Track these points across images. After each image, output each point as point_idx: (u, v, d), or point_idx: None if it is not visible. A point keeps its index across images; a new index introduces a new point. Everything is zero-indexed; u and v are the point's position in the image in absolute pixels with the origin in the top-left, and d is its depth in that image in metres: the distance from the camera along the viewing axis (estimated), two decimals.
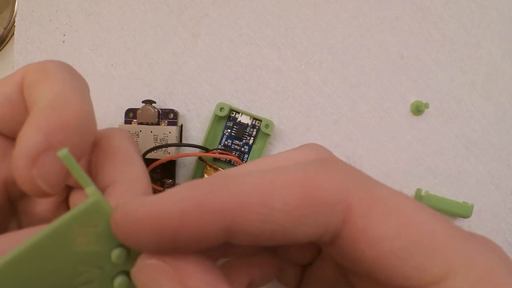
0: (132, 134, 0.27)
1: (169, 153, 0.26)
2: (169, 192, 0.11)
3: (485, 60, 0.28)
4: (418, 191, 0.28)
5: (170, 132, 0.26)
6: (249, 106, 0.28)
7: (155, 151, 0.26)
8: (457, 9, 0.28)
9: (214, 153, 0.26)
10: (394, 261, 0.11)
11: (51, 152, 0.14)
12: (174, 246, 0.11)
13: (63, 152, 0.11)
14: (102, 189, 0.17)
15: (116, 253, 0.12)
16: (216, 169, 0.27)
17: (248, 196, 0.11)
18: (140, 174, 0.17)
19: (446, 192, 0.28)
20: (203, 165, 0.27)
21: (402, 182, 0.28)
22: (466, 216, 0.27)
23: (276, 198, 0.11)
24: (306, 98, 0.28)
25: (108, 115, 0.29)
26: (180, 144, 0.27)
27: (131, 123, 0.27)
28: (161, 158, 0.25)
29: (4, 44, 0.31)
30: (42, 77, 0.16)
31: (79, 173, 0.11)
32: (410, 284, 0.11)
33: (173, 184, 0.27)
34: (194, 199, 0.11)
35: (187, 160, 0.28)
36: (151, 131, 0.26)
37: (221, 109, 0.27)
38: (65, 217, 0.11)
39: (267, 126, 0.27)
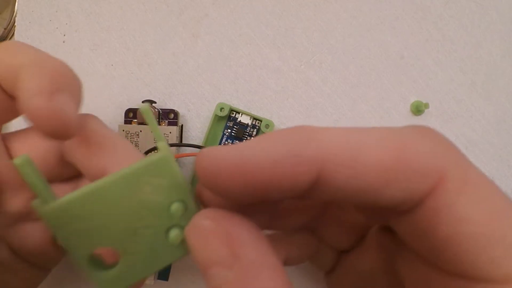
0: (132, 134, 0.27)
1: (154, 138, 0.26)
2: (255, 141, 0.11)
3: (485, 60, 0.28)
4: None
5: (170, 132, 0.26)
6: (249, 106, 0.28)
7: (155, 151, 0.26)
8: (457, 9, 0.28)
9: None
10: (470, 247, 0.11)
11: (62, 93, 0.14)
12: (259, 194, 0.11)
13: (145, 107, 0.12)
14: (95, 178, 0.16)
15: (175, 206, 0.12)
16: None
17: (342, 149, 0.11)
18: (129, 156, 0.17)
19: None
20: None
21: None
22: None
23: (370, 155, 0.11)
24: (306, 98, 0.28)
25: (108, 115, 0.29)
26: (180, 144, 0.27)
27: (131, 123, 0.27)
28: None
29: None
30: (11, 52, 0.15)
31: (154, 126, 0.12)
32: (476, 275, 0.11)
33: None
34: (287, 148, 0.11)
35: (187, 160, 0.28)
36: (151, 131, 0.26)
37: (221, 109, 0.27)
38: (137, 164, 0.12)
39: (267, 126, 0.27)
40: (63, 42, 0.29)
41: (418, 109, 0.28)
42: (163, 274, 0.26)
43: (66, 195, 0.12)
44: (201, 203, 0.14)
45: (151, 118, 0.12)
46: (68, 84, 0.15)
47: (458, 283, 0.12)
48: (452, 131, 0.28)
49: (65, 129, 0.14)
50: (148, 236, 0.13)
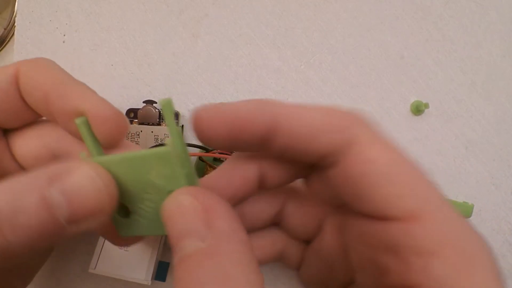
0: (133, 134, 0.27)
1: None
2: (237, 102, 0.15)
3: (485, 60, 0.28)
4: None
5: None
6: None
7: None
8: (457, 9, 0.28)
9: (214, 153, 0.26)
10: (375, 185, 0.13)
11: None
12: (236, 137, 0.14)
13: (166, 100, 0.13)
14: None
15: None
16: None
17: (290, 108, 0.15)
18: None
19: (446, 192, 0.28)
20: (203, 165, 0.27)
21: None
22: (466, 216, 0.27)
23: (309, 115, 0.15)
24: (306, 98, 0.28)
25: None
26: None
27: (132, 123, 0.27)
28: None
29: (4, 44, 0.31)
30: (41, 69, 0.18)
31: (171, 121, 0.14)
32: (385, 214, 0.13)
33: None
34: (256, 104, 0.14)
35: (191, 160, 0.28)
36: (152, 132, 0.26)
37: None
38: (148, 151, 0.14)
39: None
40: (63, 42, 0.29)
41: (418, 109, 0.28)
42: (160, 275, 0.26)
43: (106, 156, 0.15)
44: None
45: (169, 113, 0.14)
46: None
47: (376, 227, 0.14)
48: (452, 131, 0.28)
49: (124, 128, 0.17)
50: (150, 208, 0.16)
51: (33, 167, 0.19)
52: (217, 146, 0.15)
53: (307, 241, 0.19)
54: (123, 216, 0.17)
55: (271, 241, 0.19)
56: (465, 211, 0.27)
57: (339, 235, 0.17)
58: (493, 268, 0.12)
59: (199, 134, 0.15)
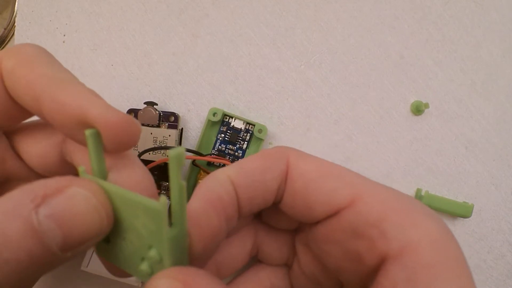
0: None
1: (167, 156, 0.26)
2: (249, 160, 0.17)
3: (485, 60, 0.28)
4: (418, 191, 0.28)
5: (170, 135, 0.26)
6: (249, 106, 0.28)
7: (154, 153, 0.26)
8: (457, 9, 0.28)
9: (208, 157, 0.26)
10: (315, 186, 0.16)
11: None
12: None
13: (176, 153, 0.12)
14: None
15: (152, 252, 0.13)
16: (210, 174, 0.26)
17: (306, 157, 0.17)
18: (143, 178, 0.17)
19: (446, 192, 0.28)
20: (197, 170, 0.27)
21: (402, 182, 0.28)
22: (466, 216, 0.27)
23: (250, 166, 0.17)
24: (306, 98, 0.28)
25: None
26: (173, 147, 0.27)
27: None
28: (158, 159, 0.26)
29: (4, 44, 0.31)
30: (23, 62, 0.15)
31: (176, 175, 0.12)
32: (332, 204, 0.15)
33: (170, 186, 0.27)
34: (268, 163, 0.17)
35: (186, 164, 0.28)
36: (151, 133, 0.26)
37: (214, 114, 0.27)
38: (139, 198, 0.13)
39: (260, 131, 0.26)
40: (63, 42, 0.29)
41: (418, 109, 0.28)
42: None
43: (104, 182, 0.14)
44: (190, 254, 0.15)
45: (175, 167, 0.12)
46: None
47: (333, 223, 0.15)
48: (452, 131, 0.28)
49: (137, 135, 0.15)
50: (129, 249, 0.14)
51: (42, 167, 0.17)
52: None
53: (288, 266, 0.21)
54: (103, 240, 0.15)
55: (258, 282, 0.20)
56: (465, 211, 0.27)
57: (309, 249, 0.19)
58: (424, 207, 0.15)
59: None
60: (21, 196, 0.12)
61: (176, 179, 0.12)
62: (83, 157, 0.16)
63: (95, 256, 0.24)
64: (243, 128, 0.27)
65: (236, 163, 0.17)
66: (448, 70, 0.28)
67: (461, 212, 0.27)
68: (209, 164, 0.28)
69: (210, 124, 0.27)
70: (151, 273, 0.14)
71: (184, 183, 0.13)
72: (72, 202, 0.12)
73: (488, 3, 0.28)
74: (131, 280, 0.24)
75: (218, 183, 0.16)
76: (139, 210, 0.13)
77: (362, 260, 0.15)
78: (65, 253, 0.12)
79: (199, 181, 0.27)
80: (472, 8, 0.28)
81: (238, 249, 0.20)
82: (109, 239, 0.15)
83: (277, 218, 0.20)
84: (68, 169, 0.18)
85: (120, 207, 0.14)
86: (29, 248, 0.11)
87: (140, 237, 0.14)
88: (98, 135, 0.14)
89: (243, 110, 0.28)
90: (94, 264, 0.24)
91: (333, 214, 0.15)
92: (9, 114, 0.16)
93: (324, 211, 0.16)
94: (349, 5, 0.29)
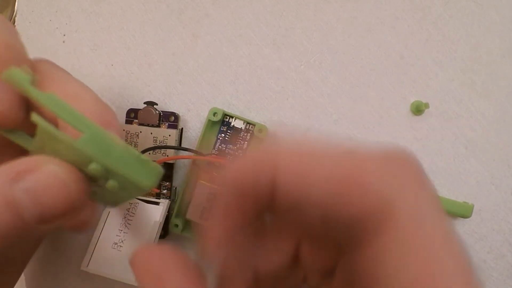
0: (132, 135, 0.27)
1: (167, 155, 0.26)
2: (244, 156, 0.14)
3: (485, 60, 0.28)
4: None
5: (170, 135, 0.26)
6: (249, 106, 0.28)
7: (154, 152, 0.26)
8: (457, 9, 0.28)
9: (208, 157, 0.26)
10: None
11: None
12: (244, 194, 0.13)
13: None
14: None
15: (92, 166, 0.14)
16: (210, 174, 0.26)
17: (294, 163, 0.12)
18: (77, 91, 0.17)
19: (446, 192, 0.28)
20: (198, 169, 0.27)
21: None
22: (466, 216, 0.27)
23: (320, 172, 0.11)
24: (306, 98, 0.28)
25: None
26: (178, 147, 0.27)
27: (132, 123, 0.27)
28: (158, 159, 0.26)
29: None
30: None
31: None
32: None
33: (170, 187, 0.27)
34: (253, 160, 0.13)
35: (185, 164, 0.28)
36: (151, 133, 0.26)
37: (214, 114, 0.27)
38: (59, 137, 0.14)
39: (260, 130, 0.26)
40: (63, 42, 0.29)
41: (418, 109, 0.28)
42: None
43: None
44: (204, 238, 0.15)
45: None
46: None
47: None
48: (452, 131, 0.28)
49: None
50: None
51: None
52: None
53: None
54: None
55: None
56: (465, 211, 0.27)
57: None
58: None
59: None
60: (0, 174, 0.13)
61: (39, 94, 0.13)
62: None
63: (95, 256, 0.24)
64: (243, 128, 0.27)
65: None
66: (448, 70, 0.28)
67: (461, 212, 0.27)
68: (209, 164, 0.28)
69: (210, 124, 0.27)
70: (120, 186, 0.15)
71: (52, 94, 0.14)
72: (46, 180, 0.13)
73: (488, 3, 0.28)
74: (132, 280, 0.24)
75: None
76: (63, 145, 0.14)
77: None
78: (42, 225, 0.13)
79: (199, 181, 0.27)
80: (472, 8, 0.28)
81: (278, 256, 0.17)
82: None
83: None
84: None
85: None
86: (6, 219, 0.13)
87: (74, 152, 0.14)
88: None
89: (243, 110, 0.28)
90: (94, 264, 0.24)
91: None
92: None
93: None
94: (349, 5, 0.29)
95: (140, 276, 0.13)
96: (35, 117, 0.14)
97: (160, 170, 0.15)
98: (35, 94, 0.14)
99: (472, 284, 0.10)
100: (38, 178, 0.13)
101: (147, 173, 0.14)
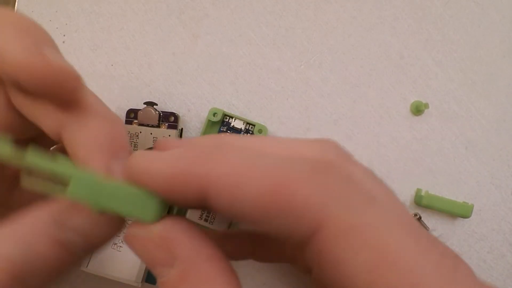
0: (132, 135, 0.27)
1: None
2: (170, 153, 0.13)
3: (485, 60, 0.28)
4: (418, 191, 0.28)
5: (169, 135, 0.26)
6: (249, 106, 0.28)
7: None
8: (457, 9, 0.28)
9: None
10: None
11: (47, 46, 0.14)
12: (169, 196, 0.13)
13: None
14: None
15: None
16: None
17: (224, 176, 0.12)
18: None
19: (446, 192, 0.28)
20: None
21: (402, 182, 0.28)
22: (466, 216, 0.27)
23: (246, 188, 0.11)
24: (306, 98, 0.28)
25: None
26: None
27: (131, 124, 0.27)
28: None
29: None
30: None
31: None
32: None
33: None
34: (180, 166, 0.12)
35: None
36: (151, 133, 0.26)
37: (214, 114, 0.27)
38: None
39: (260, 131, 0.26)
40: (63, 42, 0.29)
41: (418, 109, 0.28)
42: (151, 278, 0.26)
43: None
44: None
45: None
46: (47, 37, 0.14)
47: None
48: (452, 131, 0.28)
49: (68, 82, 0.13)
50: None
51: None
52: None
53: None
54: None
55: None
56: (465, 211, 0.27)
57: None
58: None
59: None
60: (42, 217, 0.13)
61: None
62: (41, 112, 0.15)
63: (95, 256, 0.24)
64: (243, 128, 0.27)
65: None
66: (448, 70, 0.28)
67: (461, 212, 0.27)
68: None
69: (210, 124, 0.27)
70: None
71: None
72: (90, 217, 0.13)
73: (488, 3, 0.28)
74: (131, 280, 0.24)
75: None
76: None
77: None
78: (86, 253, 0.14)
79: None
80: (472, 8, 0.28)
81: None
82: None
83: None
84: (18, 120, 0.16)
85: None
86: (57, 258, 0.13)
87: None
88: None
89: (243, 110, 0.28)
90: (94, 264, 0.24)
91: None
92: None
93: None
94: (349, 5, 0.29)
95: (142, 250, 0.13)
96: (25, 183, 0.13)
97: (160, 203, 0.14)
98: (14, 161, 0.13)
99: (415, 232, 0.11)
100: (82, 217, 0.14)
101: (145, 207, 0.14)
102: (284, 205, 0.11)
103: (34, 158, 0.13)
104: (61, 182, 0.13)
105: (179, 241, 0.13)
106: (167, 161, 0.13)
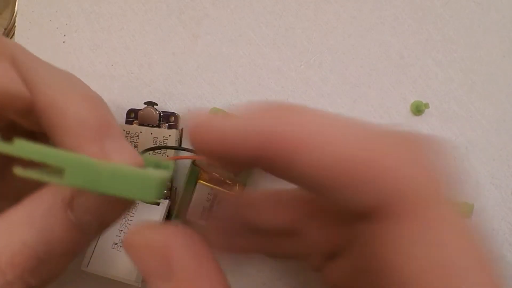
0: (132, 135, 0.27)
1: (167, 156, 0.26)
2: (241, 115, 0.12)
3: (485, 60, 0.28)
4: None
5: (170, 135, 0.26)
6: None
7: (154, 152, 0.26)
8: (457, 9, 0.28)
9: None
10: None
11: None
12: (227, 158, 0.12)
13: None
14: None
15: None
16: (210, 174, 0.26)
17: (314, 135, 0.11)
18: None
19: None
20: (197, 170, 0.27)
21: None
22: (466, 216, 0.27)
23: (332, 152, 0.10)
24: (306, 98, 0.28)
25: None
26: (178, 148, 0.27)
27: (132, 124, 0.27)
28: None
29: None
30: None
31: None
32: None
33: (170, 187, 0.27)
34: (248, 122, 0.11)
35: (185, 164, 0.28)
36: (151, 133, 0.26)
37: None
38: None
39: None
40: (63, 42, 0.29)
41: (418, 109, 0.28)
42: None
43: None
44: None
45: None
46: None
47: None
48: (452, 131, 0.28)
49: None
50: None
51: None
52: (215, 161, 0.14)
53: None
54: None
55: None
56: (465, 211, 0.27)
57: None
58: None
59: (194, 147, 0.13)
60: (52, 199, 0.13)
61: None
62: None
63: (95, 256, 0.24)
64: None
65: None
66: (448, 70, 0.28)
67: (461, 212, 0.27)
68: (210, 164, 0.28)
69: None
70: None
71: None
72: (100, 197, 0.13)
73: (488, 3, 0.28)
74: (131, 280, 0.24)
75: None
76: None
77: None
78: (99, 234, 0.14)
79: (199, 181, 0.27)
80: (472, 8, 0.28)
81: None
82: None
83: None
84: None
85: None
86: (73, 239, 0.13)
87: None
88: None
89: None
90: (94, 264, 0.24)
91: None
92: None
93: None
94: (349, 5, 0.29)
95: (140, 259, 0.12)
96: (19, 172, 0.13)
97: (160, 177, 0.13)
98: (2, 148, 0.12)
99: (492, 280, 0.10)
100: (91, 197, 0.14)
101: (144, 187, 0.13)
102: (370, 175, 0.10)
103: (23, 147, 0.12)
104: (56, 169, 0.13)
105: (178, 254, 0.12)
106: (247, 120, 0.12)
